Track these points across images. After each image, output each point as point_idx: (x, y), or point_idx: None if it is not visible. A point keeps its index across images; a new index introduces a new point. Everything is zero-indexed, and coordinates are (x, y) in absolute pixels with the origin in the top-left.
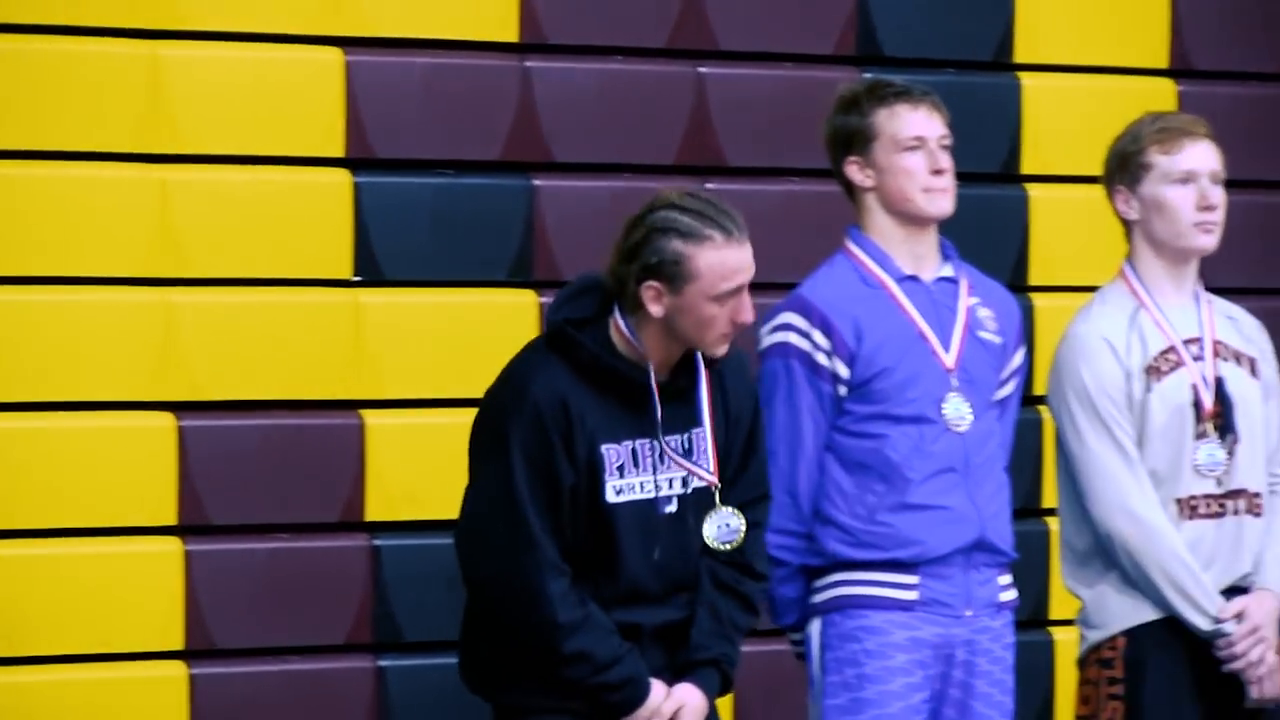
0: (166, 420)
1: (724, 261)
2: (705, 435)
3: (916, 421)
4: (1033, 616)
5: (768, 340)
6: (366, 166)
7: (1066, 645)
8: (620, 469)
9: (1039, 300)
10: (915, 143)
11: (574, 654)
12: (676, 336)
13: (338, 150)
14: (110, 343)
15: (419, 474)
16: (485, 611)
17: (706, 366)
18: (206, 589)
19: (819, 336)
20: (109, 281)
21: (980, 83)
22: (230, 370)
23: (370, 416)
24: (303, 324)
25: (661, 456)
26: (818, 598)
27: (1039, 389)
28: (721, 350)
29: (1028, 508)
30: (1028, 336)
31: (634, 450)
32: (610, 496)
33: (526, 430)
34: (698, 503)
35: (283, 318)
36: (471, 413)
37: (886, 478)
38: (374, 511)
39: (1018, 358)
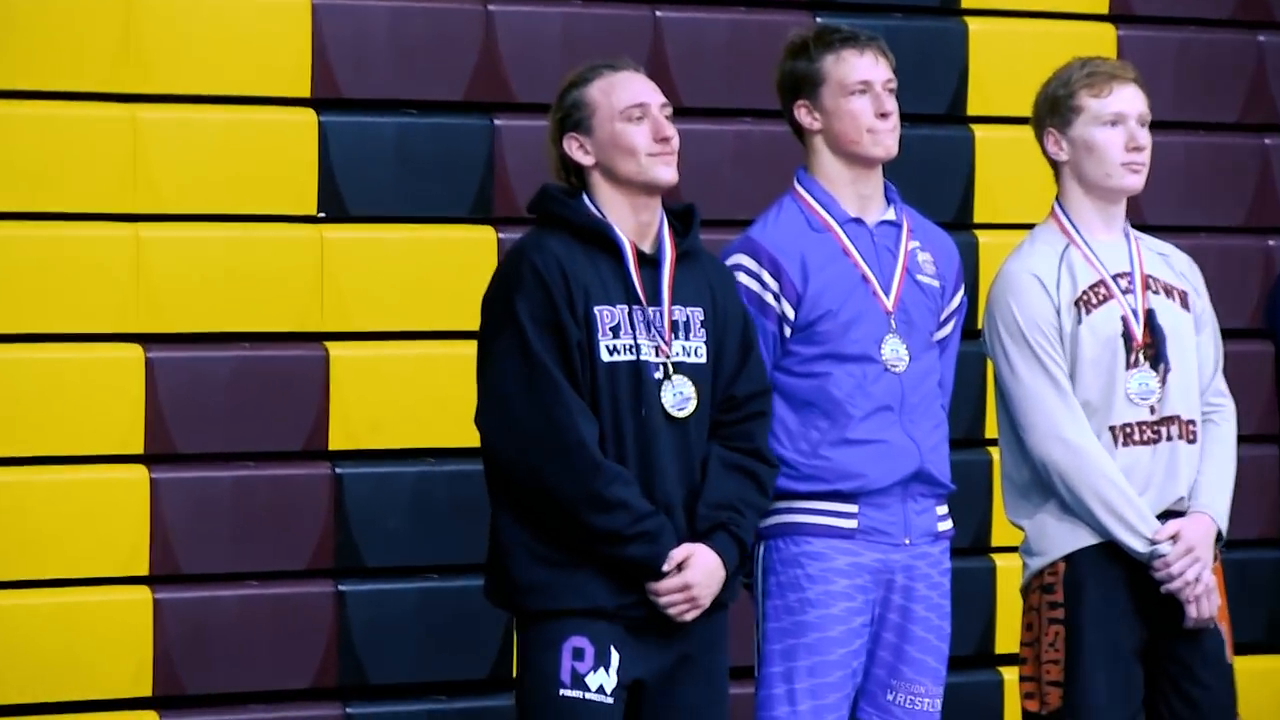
0: (135, 351)
1: (613, 84)
2: (664, 307)
3: (859, 361)
4: (975, 544)
5: None
6: (332, 106)
7: (1008, 572)
8: (614, 330)
9: (984, 237)
10: (861, 87)
11: (616, 501)
12: (619, 180)
13: (304, 90)
14: (80, 276)
15: (381, 405)
16: (516, 497)
17: (678, 247)
18: (172, 516)
19: (768, 278)
20: (82, 218)
21: (927, 27)
22: (197, 303)
23: (334, 348)
24: (269, 259)
25: (647, 324)
26: (762, 524)
27: (983, 323)
28: (666, 175)
29: (971, 438)
30: (972, 273)
31: (628, 314)
32: (604, 355)
33: (530, 295)
34: (690, 374)
35: (250, 252)
36: (433, 345)
37: (829, 414)
38: (337, 441)
39: (956, 300)
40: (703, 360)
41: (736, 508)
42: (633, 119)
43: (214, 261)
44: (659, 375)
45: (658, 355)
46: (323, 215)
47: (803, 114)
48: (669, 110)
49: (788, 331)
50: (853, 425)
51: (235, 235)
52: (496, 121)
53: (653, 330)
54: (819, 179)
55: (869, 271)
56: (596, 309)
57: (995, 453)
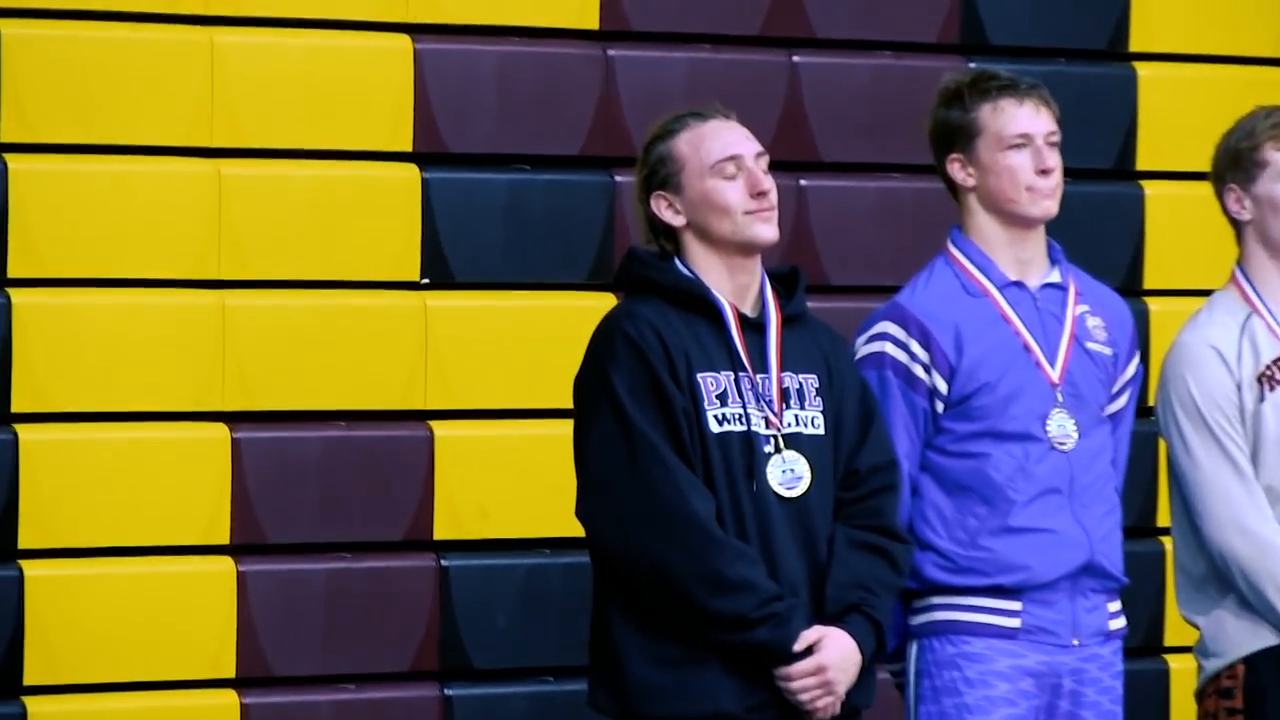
0: (220, 432)
1: (701, 135)
2: (772, 375)
3: (1020, 440)
4: (1147, 643)
5: (863, 350)
6: (436, 162)
7: (1182, 674)
8: (721, 398)
9: (1155, 305)
10: (1020, 140)
11: (740, 581)
12: (713, 240)
13: (405, 144)
14: (163, 349)
15: (490, 490)
16: (625, 589)
17: (783, 311)
18: (261, 612)
19: (917, 348)
20: (162, 284)
21: (1093, 74)
22: (288, 379)
23: (439, 428)
24: (366, 329)
25: (755, 393)
26: (914, 621)
27: (1154, 400)
28: (765, 234)
29: (1142, 526)
30: (1143, 345)
31: (734, 381)
32: (713, 426)
33: (626, 367)
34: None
35: (345, 323)
36: (547, 425)
37: (988, 500)
38: (442, 530)
39: (1130, 369)
40: (820, 431)
41: (869, 587)
42: (725, 174)
43: (307, 333)
44: (769, 449)
45: (767, 427)
46: (426, 281)
47: (956, 169)
48: (765, 160)
49: (940, 407)
50: (1015, 512)
51: (330, 303)
52: (617, 178)
53: (761, 400)
54: (975, 239)
55: (1031, 339)
56: (700, 376)
57: (1168, 542)
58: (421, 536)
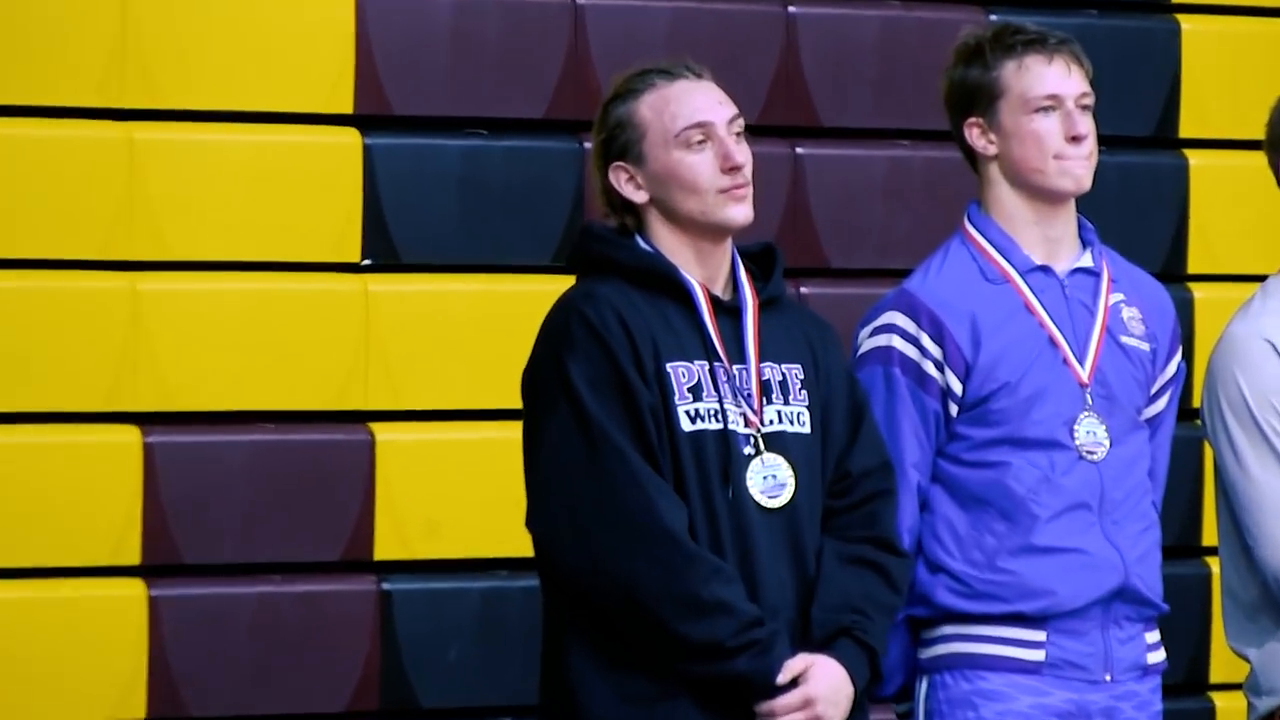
0: (130, 435)
1: (666, 98)
2: (750, 365)
3: (1045, 447)
4: (1189, 679)
5: (867, 344)
6: (380, 125)
7: (1230, 714)
8: (694, 391)
9: (1200, 292)
10: (1049, 102)
11: (716, 603)
12: (679, 219)
13: (345, 106)
14: (65, 340)
15: (440, 502)
16: (584, 612)
17: (760, 294)
18: (177, 644)
19: (928, 342)
20: (65, 265)
21: (1130, 27)
22: (208, 375)
23: (382, 431)
24: (299, 318)
25: (732, 386)
26: (925, 653)
27: (1198, 401)
28: (737, 215)
29: (1184, 546)
30: (1186, 338)
31: (709, 372)
32: (685, 424)
33: (585, 355)
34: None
35: (274, 311)
36: (506, 428)
37: (1008, 515)
38: (385, 549)
39: (1171, 367)
40: (806, 430)
41: (861, 609)
42: (692, 144)
43: (230, 322)
44: (748, 450)
45: (746, 426)
46: (368, 263)
47: (975, 135)
48: (740, 126)
49: (954, 409)
50: (1039, 529)
51: (257, 288)
52: (588, 144)
53: (738, 394)
54: (995, 217)
55: (1058, 333)
56: (670, 366)
57: (1215, 564)
58: (361, 556)
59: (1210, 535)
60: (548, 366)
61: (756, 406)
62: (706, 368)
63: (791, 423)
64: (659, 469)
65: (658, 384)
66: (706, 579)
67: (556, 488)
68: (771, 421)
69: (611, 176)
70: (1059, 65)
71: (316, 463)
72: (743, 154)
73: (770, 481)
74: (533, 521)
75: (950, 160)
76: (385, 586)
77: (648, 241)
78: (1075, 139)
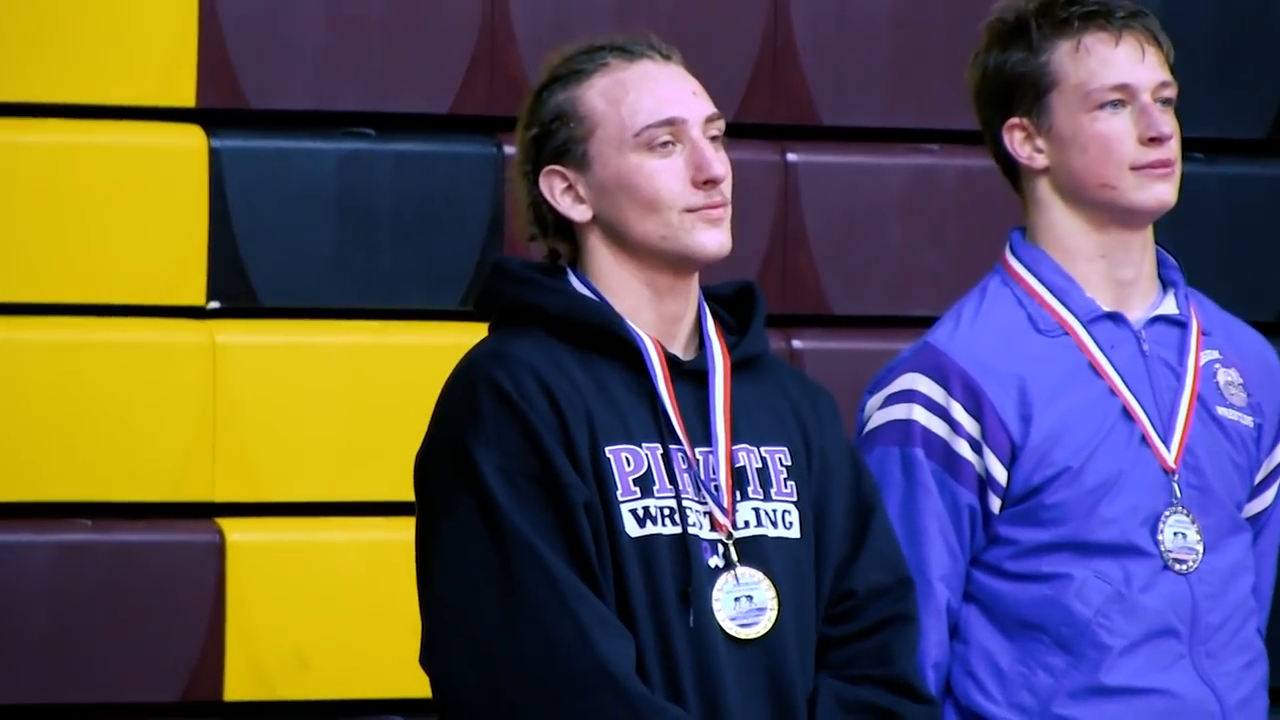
0: None
1: (623, 84)
2: (719, 448)
3: (1118, 554)
4: None
5: (879, 417)
6: (230, 122)
7: None
8: (641, 483)
9: None
10: (1117, 95)
11: None
12: (631, 246)
13: (185, 97)
14: None
15: (311, 627)
16: None
17: (733, 352)
18: None
19: (961, 415)
20: None
21: None
22: (7, 455)
23: (233, 530)
24: (125, 379)
25: (693, 476)
26: None
27: None
28: (709, 243)
29: None
30: None
31: (661, 458)
32: (630, 527)
33: (498, 437)
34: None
35: (92, 369)
36: (396, 527)
37: (1069, 645)
38: (238, 688)
39: None
40: (794, 533)
41: None
42: (656, 146)
43: (30, 384)
44: (715, 562)
45: (713, 529)
46: (215, 306)
47: (1018, 141)
48: (718, 129)
49: (996, 505)
50: (1109, 664)
51: (68, 339)
52: (507, 148)
53: (702, 487)
54: (1047, 248)
55: (1134, 401)
56: (610, 450)
57: None
58: (206, 696)
59: None
60: (446, 452)
61: (727, 504)
62: (659, 452)
63: (774, 524)
64: (596, 588)
65: (594, 474)
66: None
67: (457, 614)
68: (747, 523)
69: (543, 185)
70: (1129, 46)
71: (147, 571)
72: (721, 164)
73: (744, 605)
74: (427, 658)
75: (990, 171)
76: None
77: (584, 279)
78: (1155, 140)
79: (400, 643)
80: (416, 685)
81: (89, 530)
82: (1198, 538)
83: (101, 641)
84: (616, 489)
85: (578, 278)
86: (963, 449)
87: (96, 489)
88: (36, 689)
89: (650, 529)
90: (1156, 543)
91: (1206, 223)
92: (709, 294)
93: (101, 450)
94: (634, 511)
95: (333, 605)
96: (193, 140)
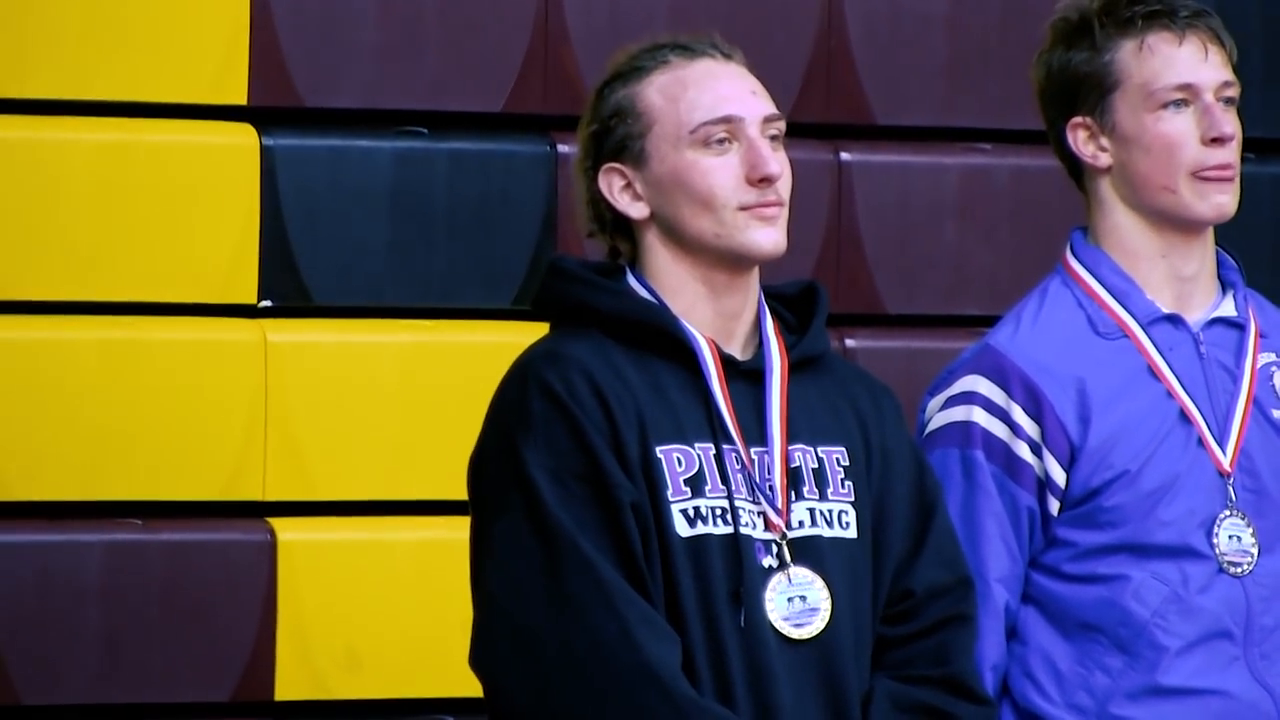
0: None
1: (683, 81)
2: (774, 449)
3: (1175, 556)
4: None
5: (938, 419)
6: (283, 121)
7: None
8: (693, 484)
9: None
10: (1180, 95)
11: None
12: (688, 245)
13: (237, 95)
14: None
15: (362, 625)
16: None
17: (792, 352)
18: None
19: (1022, 417)
20: None
21: None
22: (55, 454)
23: (284, 529)
24: (175, 378)
25: (746, 477)
26: None
27: None
28: (764, 241)
29: None
30: None
31: (714, 458)
32: (680, 527)
33: (547, 438)
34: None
35: (142, 368)
36: (449, 526)
37: (1127, 646)
38: (289, 688)
39: None
40: (850, 534)
41: None
42: (712, 143)
43: (85, 383)
44: (769, 562)
45: (767, 530)
46: (267, 304)
47: (1081, 140)
48: (778, 129)
49: (1055, 507)
50: (1166, 664)
51: (119, 338)
52: (561, 147)
53: (756, 489)
54: (1109, 249)
55: (1192, 405)
56: (661, 450)
57: None
58: (258, 697)
59: None
60: (498, 452)
61: (781, 504)
62: (712, 452)
63: (829, 524)
64: (644, 589)
65: (644, 474)
66: None
67: (506, 615)
68: (801, 523)
69: (602, 182)
70: (1192, 45)
71: (198, 570)
72: (778, 164)
73: (798, 605)
74: (477, 658)
75: (1047, 170)
76: None
77: (641, 279)
78: (1218, 140)
79: (453, 642)
80: (469, 685)
81: (140, 530)
82: (1253, 540)
83: (153, 641)
84: (667, 489)
85: (635, 277)
86: (1023, 451)
87: (148, 488)
88: (88, 689)
89: (701, 529)
90: (1212, 545)
91: (1259, 222)
92: (771, 293)
93: (152, 449)
94: (684, 511)
95: (385, 604)
96: (245, 139)
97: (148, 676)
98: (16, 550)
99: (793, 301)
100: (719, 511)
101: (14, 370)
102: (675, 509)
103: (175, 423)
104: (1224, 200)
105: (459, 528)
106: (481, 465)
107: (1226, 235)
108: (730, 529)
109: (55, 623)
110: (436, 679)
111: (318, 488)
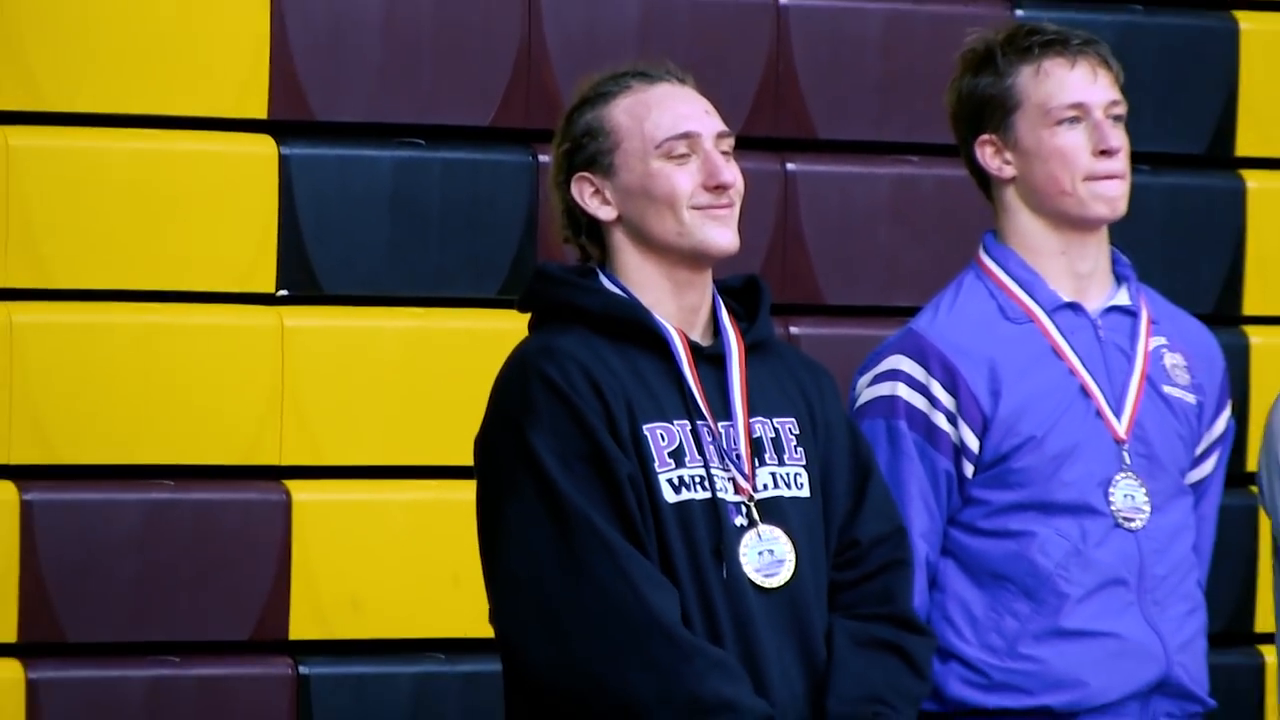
0: (6, 492)
1: (646, 103)
2: (738, 422)
3: (1075, 513)
4: None
5: (867, 394)
6: (298, 132)
7: None
8: (676, 456)
9: (1257, 338)
10: (1073, 113)
11: (719, 702)
12: (652, 244)
13: (258, 110)
14: None
15: (365, 574)
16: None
17: (745, 337)
18: None
19: (939, 391)
20: None
21: (1181, 26)
22: (97, 423)
23: (298, 490)
24: (202, 358)
25: (717, 447)
26: None
27: (1253, 464)
28: (720, 239)
29: (1235, 631)
30: (1240, 388)
31: (691, 433)
32: (668, 494)
33: (551, 423)
34: (792, 516)
35: (173, 349)
36: (442, 488)
37: (1032, 593)
38: (301, 627)
39: (1220, 424)
40: (805, 493)
41: (884, 699)
42: (674, 156)
43: (121, 362)
44: (740, 521)
45: (737, 493)
46: (284, 294)
47: (988, 154)
48: (729, 145)
49: (969, 470)
50: (1068, 609)
51: (152, 322)
52: (542, 157)
53: (725, 457)
54: (1015, 247)
55: (1090, 381)
56: (647, 428)
57: (1270, 654)
58: (274, 635)
59: (1265, 620)
60: (506, 439)
61: (748, 470)
62: (688, 428)
63: (788, 486)
64: (644, 549)
65: (635, 450)
66: (706, 675)
67: (526, 581)
68: (765, 486)
69: (574, 190)
70: (1083, 69)
71: (222, 527)
72: (732, 173)
73: (767, 558)
74: (499, 623)
75: (968, 180)
76: (303, 671)
77: (612, 278)
78: (1106, 153)
79: (442, 589)
80: (458, 627)
81: (171, 490)
82: (1145, 499)
83: (182, 587)
84: (654, 461)
85: (606, 276)
86: (940, 421)
87: (178, 453)
88: (126, 628)
89: (685, 495)
90: (1109, 503)
91: (1153, 226)
92: (720, 287)
93: (182, 420)
94: (670, 481)
95: (384, 556)
96: (265, 148)
97: (177, 618)
98: (64, 508)
99: (738, 293)
100: (699, 479)
101: (62, 349)
102: (663, 479)
103: (203, 396)
104: (1115, 197)
105: (451, 490)
106: (489, 451)
107: (1123, 240)
108: (709, 494)
109: (97, 571)
110: (429, 621)
111: (327, 454)
